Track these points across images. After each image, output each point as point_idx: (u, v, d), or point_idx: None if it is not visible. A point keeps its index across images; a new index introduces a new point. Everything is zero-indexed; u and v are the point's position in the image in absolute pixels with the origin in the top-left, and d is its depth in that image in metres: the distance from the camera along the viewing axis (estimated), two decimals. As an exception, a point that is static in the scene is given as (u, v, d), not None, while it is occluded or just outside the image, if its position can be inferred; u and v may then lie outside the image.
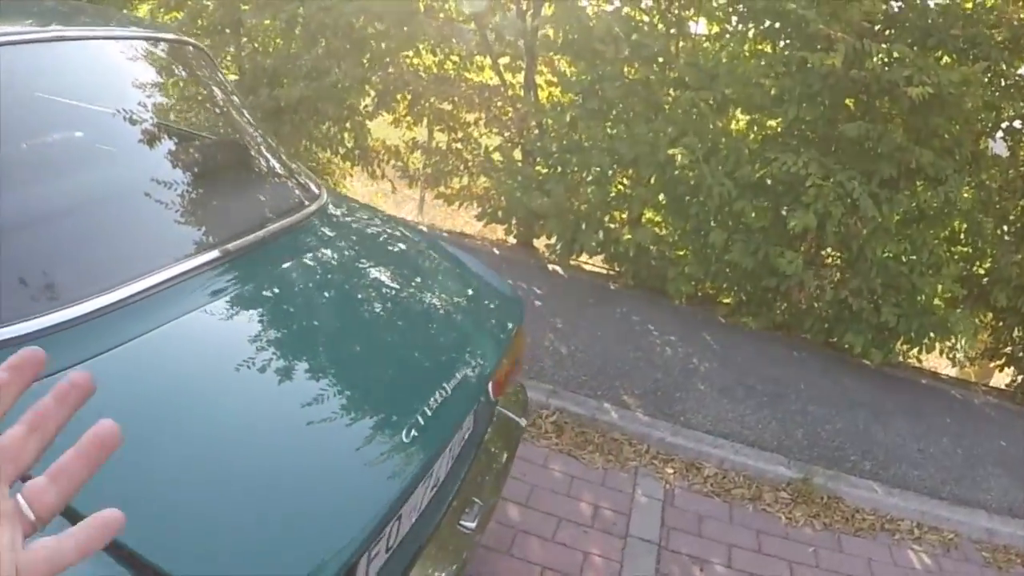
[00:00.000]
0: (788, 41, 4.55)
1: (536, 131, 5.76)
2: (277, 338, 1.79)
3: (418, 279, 2.50)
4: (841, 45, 3.90)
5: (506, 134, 6.06)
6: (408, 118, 6.37)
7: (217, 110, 2.80)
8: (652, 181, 5.17)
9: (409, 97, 6.03)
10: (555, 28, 5.14)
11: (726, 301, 5.49)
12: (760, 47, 5.04)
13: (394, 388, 1.85)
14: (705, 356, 4.68)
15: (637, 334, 4.81)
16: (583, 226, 5.34)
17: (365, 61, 5.90)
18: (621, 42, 4.78)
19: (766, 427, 4.01)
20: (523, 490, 3.29)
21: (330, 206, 2.55)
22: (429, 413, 1.71)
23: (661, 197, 5.25)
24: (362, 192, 7.50)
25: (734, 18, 5.04)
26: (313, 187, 2.57)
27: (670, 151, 4.45)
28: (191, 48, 2.62)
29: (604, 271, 5.92)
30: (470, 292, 2.55)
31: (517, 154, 6.02)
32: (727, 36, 4.92)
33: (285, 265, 2.08)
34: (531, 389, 3.95)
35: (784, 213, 4.69)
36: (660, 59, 4.93)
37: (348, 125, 6.28)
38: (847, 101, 4.67)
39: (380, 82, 5.82)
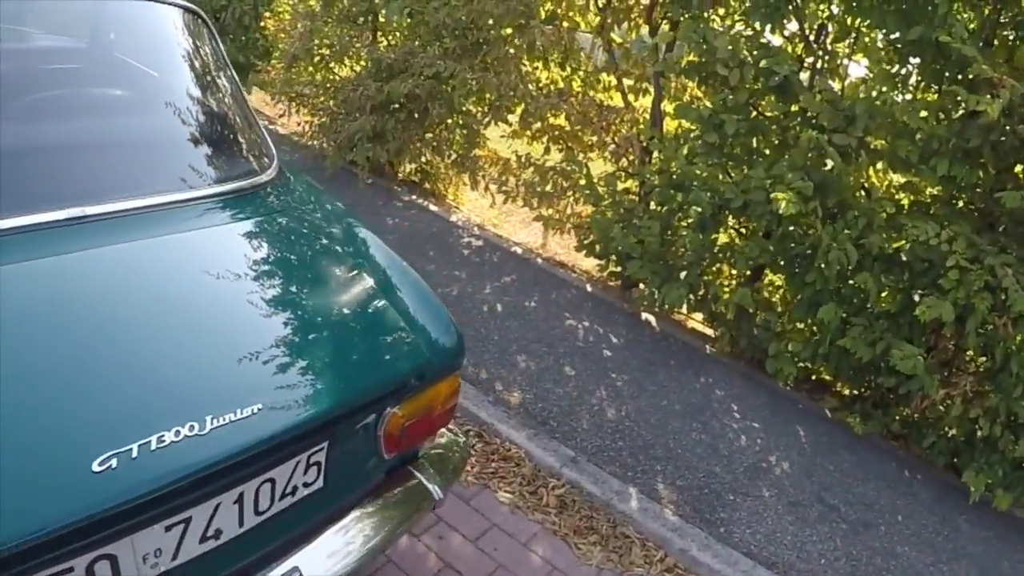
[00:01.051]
0: (947, 86, 3.65)
1: (652, 162, 5.11)
2: (82, 308, 1.64)
3: (314, 285, 2.07)
4: (1005, 92, 3.02)
5: (622, 162, 5.45)
6: (528, 132, 5.90)
7: (198, 75, 2.63)
8: (767, 235, 4.38)
9: (522, 108, 5.55)
10: (681, 46, 4.49)
11: (845, 391, 4.57)
12: (924, 96, 4.13)
13: (141, 403, 1.49)
14: (787, 455, 3.84)
15: (712, 412, 4.04)
16: (682, 275, 4.62)
17: (484, 65, 5.49)
18: (748, 68, 4.06)
19: (830, 564, 3.15)
20: (484, 567, 2.74)
21: (268, 189, 2.30)
22: (156, 446, 1.41)
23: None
24: (481, 206, 7.05)
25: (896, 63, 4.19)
26: (260, 166, 2.36)
27: (773, 195, 3.69)
28: (190, 14, 2.58)
29: (707, 332, 5.14)
30: (384, 316, 2.05)
31: (631, 184, 5.39)
32: (879, 76, 4.03)
33: (167, 235, 1.91)
34: (548, 451, 3.36)
35: (917, 299, 3.78)
36: (799, 95, 4.13)
37: (463, 131, 5.90)
38: (1016, 168, 3.70)
39: (492, 88, 5.38)
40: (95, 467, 1.34)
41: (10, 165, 1.75)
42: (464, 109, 5.79)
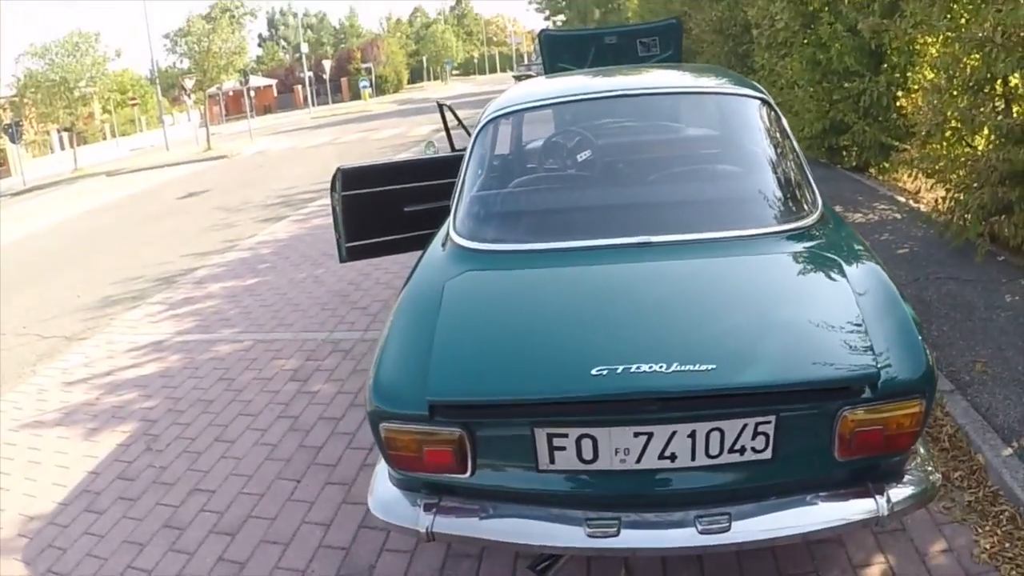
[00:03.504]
0: None
1: None
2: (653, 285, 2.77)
3: (805, 298, 2.66)
4: None
5: None
6: None
7: (766, 148, 3.72)
8: None
9: None
10: None
11: None
12: None
13: (639, 344, 2.37)
14: None
15: None
16: None
17: None
18: None
19: None
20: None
21: (809, 231, 3.04)
22: (635, 370, 2.22)
23: None
24: None
25: None
26: (805, 214, 3.15)
27: None
28: (759, 101, 3.75)
29: None
30: (850, 333, 2.38)
31: None
32: None
33: (726, 256, 2.86)
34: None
35: None
36: None
37: None
38: None
39: None
40: (592, 371, 2.22)
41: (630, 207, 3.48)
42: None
